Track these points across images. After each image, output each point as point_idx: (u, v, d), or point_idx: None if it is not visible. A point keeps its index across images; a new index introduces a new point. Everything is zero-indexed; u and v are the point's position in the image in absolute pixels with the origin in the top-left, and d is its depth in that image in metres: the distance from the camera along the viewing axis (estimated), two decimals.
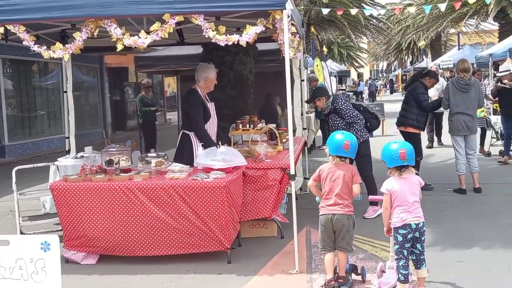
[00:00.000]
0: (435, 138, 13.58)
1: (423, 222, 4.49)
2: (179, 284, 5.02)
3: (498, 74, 10.60)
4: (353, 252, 5.27)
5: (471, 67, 8.49)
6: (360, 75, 61.86)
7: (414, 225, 4.41)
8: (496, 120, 11.03)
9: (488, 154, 11.35)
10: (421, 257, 4.47)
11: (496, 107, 11.53)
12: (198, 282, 5.07)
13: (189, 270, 5.32)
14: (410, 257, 4.46)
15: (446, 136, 11.15)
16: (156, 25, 5.14)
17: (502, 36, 24.82)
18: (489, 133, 11.88)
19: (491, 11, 24.11)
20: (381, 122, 8.07)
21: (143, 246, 5.49)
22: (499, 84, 10.33)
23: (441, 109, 9.34)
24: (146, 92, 11.87)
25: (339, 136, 4.73)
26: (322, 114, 9.52)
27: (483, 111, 10.86)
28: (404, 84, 16.65)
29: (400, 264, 4.41)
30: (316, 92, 7.96)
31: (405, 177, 4.50)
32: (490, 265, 5.17)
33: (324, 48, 38.25)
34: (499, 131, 11.34)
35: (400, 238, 4.42)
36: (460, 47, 31.07)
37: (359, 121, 7.28)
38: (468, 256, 5.44)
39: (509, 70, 10.26)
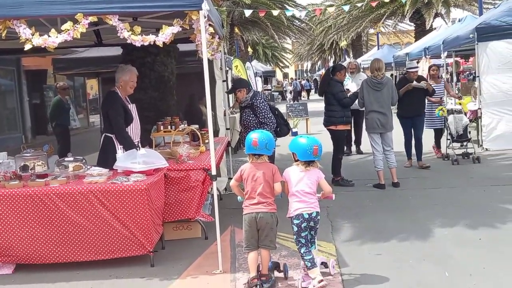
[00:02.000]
0: (354, 146, 12.36)
1: (317, 212, 4.73)
2: None
3: (407, 69, 10.48)
4: (276, 249, 5.33)
5: (384, 66, 8.77)
6: (285, 75, 62.67)
7: (307, 215, 4.68)
8: (452, 119, 10.25)
9: (447, 157, 10.51)
10: (313, 240, 4.82)
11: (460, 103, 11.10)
12: (120, 286, 4.98)
13: (111, 275, 5.21)
14: (309, 243, 4.72)
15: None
16: (67, 25, 4.98)
17: (418, 36, 25.91)
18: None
19: (407, 12, 25.08)
20: (290, 131, 8.23)
21: (62, 253, 5.32)
22: (413, 84, 9.81)
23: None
24: (63, 95, 11.48)
25: (251, 134, 4.78)
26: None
27: (441, 109, 10.36)
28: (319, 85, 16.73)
29: (302, 251, 4.66)
30: (237, 83, 7.97)
31: (308, 169, 4.74)
32: (406, 256, 5.37)
33: (249, 49, 38.52)
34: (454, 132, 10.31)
35: (295, 228, 4.69)
36: (380, 47, 32.12)
37: (271, 123, 7.37)
38: (386, 249, 5.62)
39: (417, 67, 10.59)
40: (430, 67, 11.36)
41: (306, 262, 4.62)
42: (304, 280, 4.71)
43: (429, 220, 6.56)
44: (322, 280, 4.52)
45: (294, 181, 4.76)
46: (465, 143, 10.43)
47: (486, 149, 11.16)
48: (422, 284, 4.65)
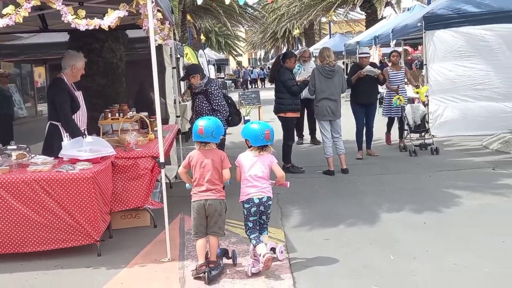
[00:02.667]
0: (309, 136, 12.21)
1: (268, 197, 4.81)
2: (44, 281, 4.81)
3: (358, 54, 10.25)
4: (225, 236, 5.34)
5: (333, 54, 8.83)
6: (239, 64, 62.57)
7: (257, 200, 4.77)
8: (409, 109, 10.00)
9: (404, 148, 10.29)
10: (264, 226, 4.95)
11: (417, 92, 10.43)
12: (64, 276, 4.89)
13: (56, 265, 5.11)
14: (257, 227, 4.85)
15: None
16: (9, 9, 4.81)
17: (368, 24, 26.28)
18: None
19: (358, 1, 25.35)
20: (242, 120, 8.25)
21: (6, 244, 5.17)
22: (364, 70, 9.52)
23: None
24: (3, 83, 11.09)
25: (198, 122, 4.76)
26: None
27: (399, 98, 10.04)
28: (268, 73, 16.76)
29: (247, 234, 4.85)
30: (190, 69, 7.89)
31: (261, 154, 4.82)
32: (353, 240, 5.46)
33: (202, 37, 38.23)
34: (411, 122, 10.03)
35: (245, 212, 4.81)
36: (332, 36, 32.43)
37: (223, 111, 7.35)
38: (334, 234, 5.70)
39: (368, 53, 10.67)
40: (391, 53, 11.20)
41: (251, 240, 4.77)
42: (254, 265, 4.73)
43: (377, 205, 6.69)
44: (266, 254, 4.62)
45: (246, 166, 4.82)
46: (423, 134, 10.26)
47: (433, 135, 11.42)
48: (368, 267, 4.74)
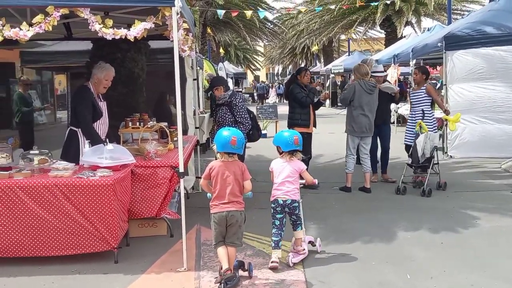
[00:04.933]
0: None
1: (292, 200, 5.23)
2: (61, 285, 4.85)
3: (372, 73, 8.92)
4: (242, 248, 5.37)
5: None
6: (256, 78, 62.75)
7: (281, 201, 5.24)
8: (422, 139, 8.36)
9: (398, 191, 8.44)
10: (297, 222, 5.38)
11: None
12: (82, 282, 4.92)
13: (74, 270, 5.15)
14: (283, 227, 5.28)
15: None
16: (39, 17, 4.92)
17: (388, 43, 26.30)
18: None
19: (378, 19, 25.39)
20: (260, 137, 8.30)
21: (25, 247, 5.24)
22: (382, 86, 9.13)
23: None
24: (24, 89, 11.24)
25: (225, 132, 4.80)
26: None
27: (420, 125, 8.49)
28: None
29: (272, 231, 5.26)
30: (215, 81, 7.99)
31: (292, 159, 5.27)
32: (369, 257, 5.44)
33: (221, 50, 38.49)
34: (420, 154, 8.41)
35: (272, 211, 5.32)
36: (350, 53, 32.45)
37: (246, 123, 7.42)
38: (349, 250, 5.68)
39: (384, 72, 10.34)
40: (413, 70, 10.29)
41: (271, 242, 5.25)
42: (294, 256, 5.25)
43: (393, 223, 6.66)
44: (274, 262, 5.08)
45: (277, 171, 5.33)
46: (425, 169, 8.46)
47: (451, 156, 11.37)
48: (384, 285, 4.73)
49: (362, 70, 8.67)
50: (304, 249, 5.40)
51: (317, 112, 9.33)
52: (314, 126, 9.23)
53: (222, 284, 4.59)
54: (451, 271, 5.02)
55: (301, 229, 5.42)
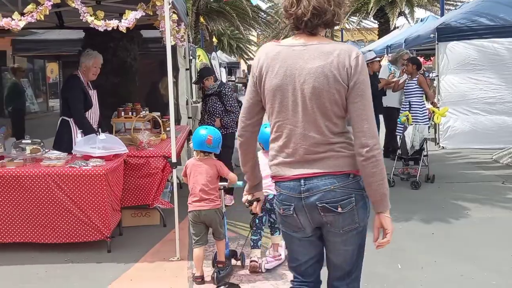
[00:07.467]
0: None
1: (274, 195, 4.73)
2: (54, 274, 4.87)
3: (367, 61, 8.88)
4: (235, 238, 5.40)
5: None
6: (249, 67, 62.63)
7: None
8: (411, 131, 8.31)
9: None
10: (275, 226, 4.96)
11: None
12: (75, 271, 4.94)
13: (67, 259, 5.18)
14: (264, 226, 5.02)
15: None
16: (30, 7, 4.89)
17: (381, 34, 26.27)
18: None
19: (371, 10, 25.37)
20: None
21: (18, 232, 5.27)
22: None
23: None
24: (18, 76, 11.16)
25: (203, 131, 4.73)
26: None
27: (407, 115, 8.58)
28: None
29: (252, 230, 4.90)
30: (204, 71, 7.96)
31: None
32: None
33: (214, 39, 38.34)
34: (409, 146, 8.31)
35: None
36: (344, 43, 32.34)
37: (236, 112, 7.41)
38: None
39: (376, 57, 10.33)
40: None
41: (250, 241, 4.93)
42: (268, 262, 4.91)
43: None
44: (253, 261, 4.81)
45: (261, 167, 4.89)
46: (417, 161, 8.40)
47: (443, 147, 11.43)
48: (375, 275, 4.75)
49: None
50: (280, 255, 5.06)
51: None
52: None
53: (215, 274, 4.61)
54: (441, 261, 5.07)
55: (279, 234, 5.02)
